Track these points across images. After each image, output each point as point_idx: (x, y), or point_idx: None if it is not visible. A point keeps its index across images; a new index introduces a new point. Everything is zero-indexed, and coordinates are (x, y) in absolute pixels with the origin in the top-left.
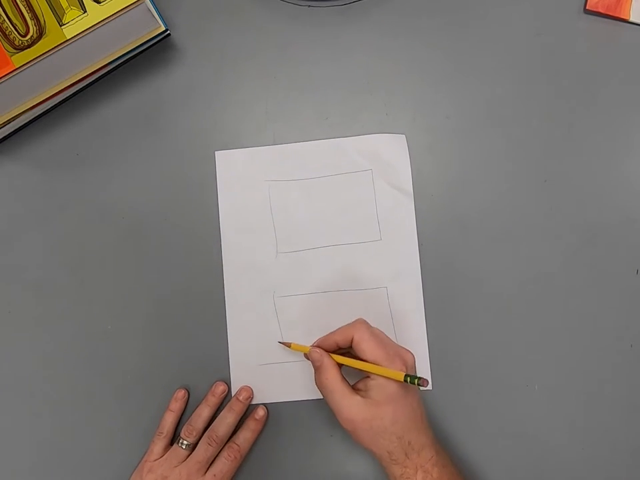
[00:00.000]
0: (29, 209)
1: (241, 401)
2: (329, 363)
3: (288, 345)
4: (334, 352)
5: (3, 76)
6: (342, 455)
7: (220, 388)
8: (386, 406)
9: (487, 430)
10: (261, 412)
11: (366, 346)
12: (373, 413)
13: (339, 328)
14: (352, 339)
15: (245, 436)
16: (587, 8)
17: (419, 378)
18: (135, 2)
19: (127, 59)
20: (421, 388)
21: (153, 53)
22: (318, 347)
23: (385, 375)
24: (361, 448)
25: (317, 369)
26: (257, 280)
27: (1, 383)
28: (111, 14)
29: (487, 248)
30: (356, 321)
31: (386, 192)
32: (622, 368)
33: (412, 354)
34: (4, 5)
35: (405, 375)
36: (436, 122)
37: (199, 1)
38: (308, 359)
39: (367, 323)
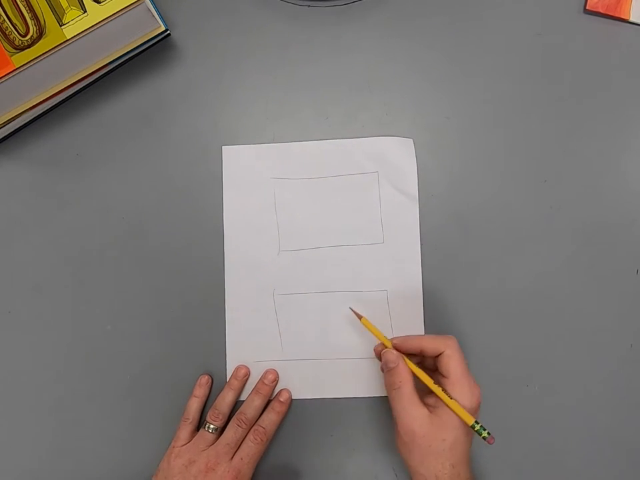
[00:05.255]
0: (29, 209)
1: (267, 384)
2: (405, 367)
3: (360, 316)
4: (412, 354)
5: (3, 76)
6: (342, 455)
7: (242, 371)
8: (451, 430)
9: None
10: (285, 394)
11: (455, 365)
12: (436, 432)
13: (428, 335)
14: (441, 352)
15: (271, 418)
16: (587, 8)
17: (488, 433)
18: (135, 2)
19: (127, 59)
20: (487, 444)
21: (153, 53)
22: (396, 346)
23: (456, 411)
24: (407, 466)
25: (390, 371)
26: (258, 277)
27: (0, 383)
28: (111, 14)
29: (487, 248)
30: (449, 337)
31: (391, 195)
32: (622, 368)
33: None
34: (4, 5)
35: (475, 422)
36: (436, 122)
37: (199, 0)
38: (378, 350)
39: (458, 343)
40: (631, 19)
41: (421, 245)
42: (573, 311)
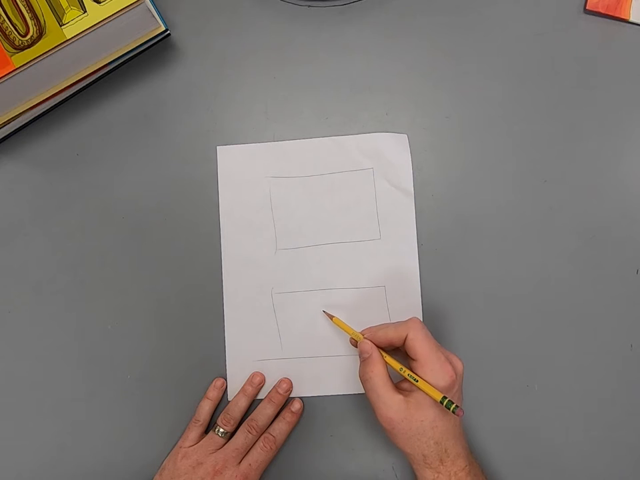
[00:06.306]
0: (29, 209)
1: (280, 394)
2: (377, 358)
3: (331, 316)
4: (382, 348)
5: (3, 76)
6: (342, 455)
7: (257, 378)
8: (428, 409)
9: (487, 430)
10: (297, 405)
11: (420, 346)
12: (413, 415)
13: (391, 324)
14: (405, 337)
15: (281, 428)
16: (587, 8)
17: (456, 406)
18: (135, 2)
19: (127, 59)
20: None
21: (153, 53)
22: (368, 339)
23: (424, 389)
24: (395, 447)
25: (364, 361)
26: (256, 276)
27: (0, 383)
28: (111, 14)
29: (487, 248)
30: (410, 319)
31: (387, 191)
32: (622, 368)
33: (462, 362)
34: (4, 5)
35: (443, 397)
36: (436, 122)
37: (199, 0)
38: (353, 344)
39: (422, 322)
40: (631, 19)
41: (421, 244)
42: (573, 310)
